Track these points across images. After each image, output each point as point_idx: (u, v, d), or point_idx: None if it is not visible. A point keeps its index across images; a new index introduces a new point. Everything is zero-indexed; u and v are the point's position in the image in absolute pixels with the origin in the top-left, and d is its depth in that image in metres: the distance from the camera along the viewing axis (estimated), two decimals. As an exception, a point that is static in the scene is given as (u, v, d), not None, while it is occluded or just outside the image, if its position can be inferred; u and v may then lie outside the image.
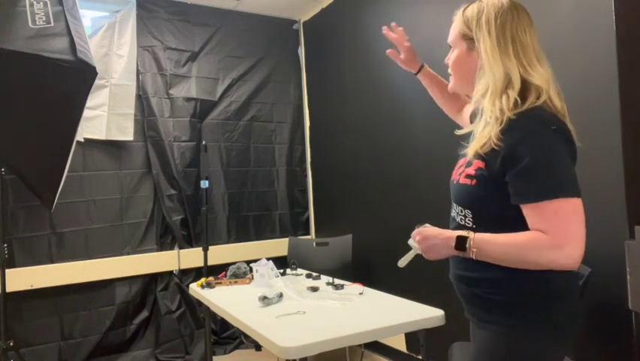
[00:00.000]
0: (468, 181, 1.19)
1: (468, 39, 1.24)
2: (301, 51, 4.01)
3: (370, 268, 3.16)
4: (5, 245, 2.69)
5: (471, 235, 1.15)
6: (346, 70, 3.43)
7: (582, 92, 1.78)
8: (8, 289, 2.70)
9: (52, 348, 3.03)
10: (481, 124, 1.17)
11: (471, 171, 1.19)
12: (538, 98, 1.12)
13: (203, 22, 3.65)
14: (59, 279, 3.03)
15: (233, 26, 3.75)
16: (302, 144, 4.03)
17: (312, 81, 3.95)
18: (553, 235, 1.06)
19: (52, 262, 3.05)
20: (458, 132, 1.30)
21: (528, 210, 1.10)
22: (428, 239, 1.22)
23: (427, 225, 1.26)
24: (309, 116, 3.99)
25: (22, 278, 2.91)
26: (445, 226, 1.27)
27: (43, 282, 2.98)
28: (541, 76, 1.15)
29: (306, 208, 4.01)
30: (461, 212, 1.23)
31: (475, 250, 1.13)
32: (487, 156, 1.14)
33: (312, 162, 3.98)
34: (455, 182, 1.26)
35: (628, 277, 1.45)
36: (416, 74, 1.65)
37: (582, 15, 1.83)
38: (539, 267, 1.09)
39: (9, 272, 2.73)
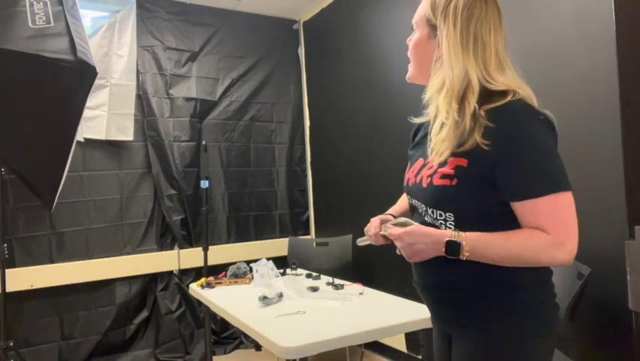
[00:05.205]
0: (447, 182, 1.07)
1: (431, 25, 1.14)
2: (301, 51, 4.01)
3: (370, 268, 3.15)
4: (5, 245, 2.69)
5: (462, 237, 1.04)
6: (346, 70, 3.43)
7: (582, 92, 1.78)
8: (8, 289, 2.70)
9: (52, 348, 3.03)
10: (437, 125, 1.10)
11: (448, 170, 1.07)
12: (513, 95, 1.04)
13: (203, 22, 3.64)
14: (59, 279, 3.03)
15: (233, 26, 3.75)
16: (302, 144, 4.03)
17: (312, 81, 3.95)
18: (555, 233, 1.00)
19: (52, 262, 3.04)
20: (414, 120, 1.25)
21: (524, 207, 1.03)
22: (414, 244, 1.10)
23: (411, 222, 1.15)
24: (309, 116, 3.99)
25: (22, 278, 2.91)
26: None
27: (43, 282, 2.98)
28: (507, 78, 1.08)
29: (306, 208, 4.01)
30: (440, 216, 1.11)
31: (467, 253, 1.04)
32: (468, 153, 1.05)
33: (312, 162, 3.98)
34: (425, 185, 1.13)
35: (628, 277, 1.45)
36: None
37: (582, 15, 1.83)
38: (537, 265, 1.05)
39: (9, 272, 2.73)
